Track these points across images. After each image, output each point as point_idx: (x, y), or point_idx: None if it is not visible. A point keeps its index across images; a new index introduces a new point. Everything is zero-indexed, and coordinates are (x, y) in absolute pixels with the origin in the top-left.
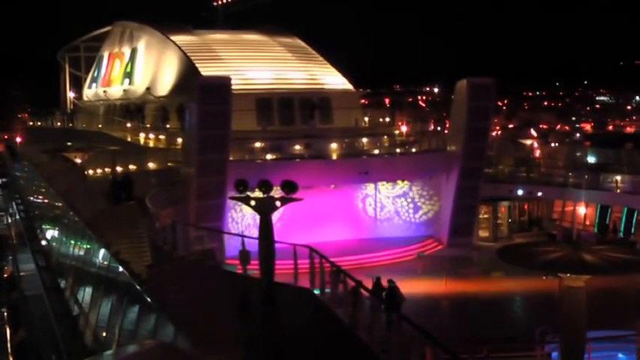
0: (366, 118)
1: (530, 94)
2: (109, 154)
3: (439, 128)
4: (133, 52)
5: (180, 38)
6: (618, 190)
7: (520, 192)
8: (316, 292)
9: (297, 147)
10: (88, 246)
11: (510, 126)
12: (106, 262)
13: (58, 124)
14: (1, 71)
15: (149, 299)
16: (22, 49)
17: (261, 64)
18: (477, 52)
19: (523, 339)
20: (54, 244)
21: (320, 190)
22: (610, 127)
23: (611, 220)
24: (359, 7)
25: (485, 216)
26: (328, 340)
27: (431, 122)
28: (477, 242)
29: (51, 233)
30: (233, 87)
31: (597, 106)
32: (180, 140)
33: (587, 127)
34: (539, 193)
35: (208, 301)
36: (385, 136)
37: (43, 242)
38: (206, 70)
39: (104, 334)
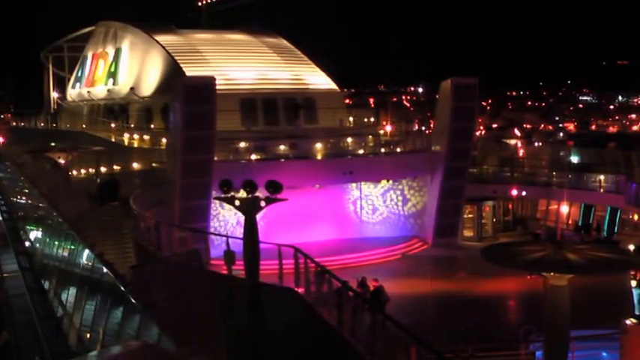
0: (351, 119)
1: (513, 94)
2: (93, 155)
3: (423, 128)
4: (117, 52)
5: (164, 38)
6: (602, 190)
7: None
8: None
9: (282, 147)
10: (72, 247)
11: (494, 126)
12: (90, 263)
13: (42, 124)
14: None
15: (133, 300)
16: (5, 49)
17: (245, 64)
18: (461, 52)
19: (507, 338)
20: (37, 245)
21: (305, 191)
22: (593, 127)
23: (595, 220)
24: (342, 7)
25: (470, 216)
26: (313, 340)
27: (415, 122)
28: (461, 242)
29: (34, 234)
30: (217, 87)
31: (580, 106)
32: (164, 140)
33: (571, 126)
34: (524, 193)
35: (193, 301)
36: (370, 136)
37: (27, 243)
38: (190, 70)
39: (88, 335)
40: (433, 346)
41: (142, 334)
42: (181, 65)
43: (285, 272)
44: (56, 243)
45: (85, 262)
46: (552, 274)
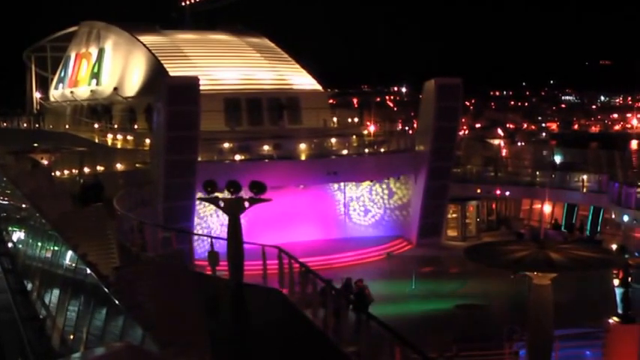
0: (335, 119)
1: (496, 93)
2: (77, 156)
3: (407, 128)
4: (101, 52)
5: (147, 38)
6: (585, 190)
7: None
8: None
9: (266, 147)
10: (55, 248)
11: (477, 126)
12: (73, 265)
13: (24, 125)
14: None
15: (117, 301)
16: None
17: (229, 65)
18: (444, 52)
19: (491, 337)
20: (20, 246)
21: (289, 191)
22: (575, 127)
23: (578, 219)
24: (325, 7)
25: (454, 215)
26: (297, 340)
27: (399, 122)
28: (445, 242)
29: (17, 235)
30: (201, 87)
31: (563, 105)
32: (148, 141)
33: (553, 126)
34: (507, 193)
35: (177, 302)
36: (354, 137)
37: (9, 245)
38: (174, 70)
39: (71, 336)
40: (417, 346)
41: (126, 335)
42: (165, 65)
43: (269, 273)
44: (39, 244)
45: (68, 263)
46: (535, 273)
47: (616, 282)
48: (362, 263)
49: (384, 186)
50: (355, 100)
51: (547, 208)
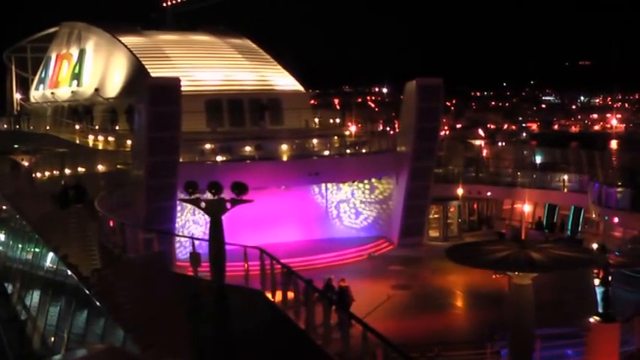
0: (317, 119)
1: (477, 94)
2: (58, 157)
3: (388, 129)
4: (81, 53)
5: (129, 39)
6: (565, 190)
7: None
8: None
9: (248, 148)
10: (36, 250)
11: (458, 126)
12: (54, 266)
13: (5, 126)
14: None
15: (98, 303)
16: None
17: (210, 65)
18: (425, 52)
19: (473, 337)
20: (0, 248)
21: (270, 192)
22: (556, 127)
23: (559, 219)
24: (306, 7)
25: (436, 216)
26: (280, 341)
27: (380, 123)
28: (427, 242)
29: None
30: (183, 88)
31: (543, 105)
32: (129, 142)
33: (534, 126)
34: (489, 193)
35: (158, 303)
36: (335, 137)
37: None
38: (155, 71)
39: (52, 338)
40: (399, 347)
41: (107, 336)
42: (146, 66)
43: (251, 274)
44: (20, 246)
45: (49, 265)
46: (516, 273)
47: (596, 281)
48: (344, 264)
49: (367, 187)
50: (336, 101)
51: (528, 208)
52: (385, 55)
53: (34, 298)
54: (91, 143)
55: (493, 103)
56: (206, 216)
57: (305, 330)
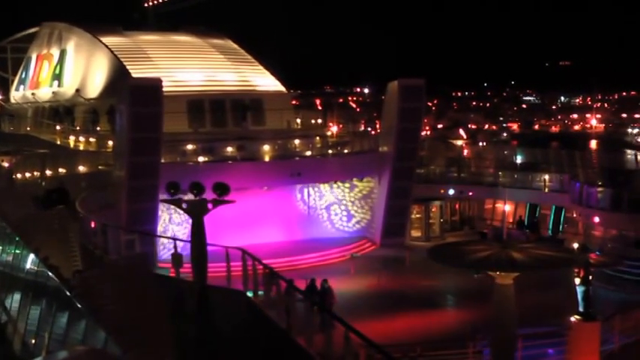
0: (298, 120)
1: (459, 94)
2: (39, 158)
3: (369, 129)
4: (62, 53)
5: (110, 39)
6: (546, 189)
7: (451, 192)
8: (249, 294)
9: (230, 149)
10: (17, 251)
11: (440, 126)
12: (34, 268)
13: None
14: None
15: (79, 305)
16: None
17: (192, 66)
18: (406, 53)
19: (455, 337)
20: None
21: (253, 192)
22: (536, 127)
23: (540, 218)
24: (288, 8)
25: (418, 216)
26: (262, 341)
27: (361, 123)
28: (409, 242)
29: None
30: (164, 89)
31: (524, 106)
32: (111, 143)
33: (514, 126)
34: (470, 193)
35: (140, 305)
36: (317, 138)
37: None
38: (137, 71)
39: (33, 340)
40: (381, 347)
41: (88, 338)
42: (127, 67)
43: (233, 274)
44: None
45: (30, 267)
46: (498, 272)
47: (577, 280)
48: (326, 264)
49: (348, 187)
50: (318, 101)
51: (509, 208)
52: (366, 56)
53: (15, 300)
54: (72, 144)
55: (474, 103)
56: (188, 216)
57: (287, 330)
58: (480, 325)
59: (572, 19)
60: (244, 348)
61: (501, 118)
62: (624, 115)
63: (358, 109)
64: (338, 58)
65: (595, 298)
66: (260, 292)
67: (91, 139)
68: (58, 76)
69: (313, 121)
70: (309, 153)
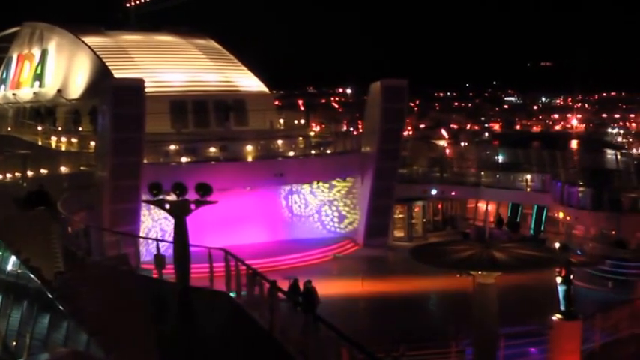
0: (281, 120)
1: (441, 94)
2: (20, 159)
3: (352, 129)
4: (44, 53)
5: (92, 40)
6: (528, 189)
7: (434, 192)
8: (232, 294)
9: (212, 150)
10: None
11: (422, 126)
12: (16, 270)
13: None
14: None
15: (61, 306)
16: None
17: (175, 66)
18: (388, 53)
19: (438, 336)
20: None
21: (235, 193)
22: (517, 127)
23: (522, 218)
24: (270, 7)
25: (401, 216)
26: (245, 343)
27: (344, 123)
28: (392, 242)
29: None
30: (147, 89)
31: (505, 106)
32: (93, 143)
33: (496, 126)
34: (453, 193)
35: (122, 306)
36: (300, 138)
37: None
38: (119, 72)
39: (14, 343)
40: (364, 347)
41: (71, 340)
42: (110, 67)
43: (215, 275)
44: None
45: (11, 268)
46: (480, 272)
47: (558, 279)
48: (309, 264)
49: (331, 187)
50: (300, 102)
51: (491, 208)
52: (349, 56)
53: None
54: (54, 145)
55: (456, 103)
56: (170, 217)
57: (270, 330)
58: (462, 324)
59: (553, 19)
60: (227, 348)
61: (483, 119)
62: (604, 116)
63: (341, 110)
64: (320, 59)
65: (576, 297)
66: (243, 293)
67: (73, 140)
68: (39, 77)
69: (296, 122)
70: (291, 153)
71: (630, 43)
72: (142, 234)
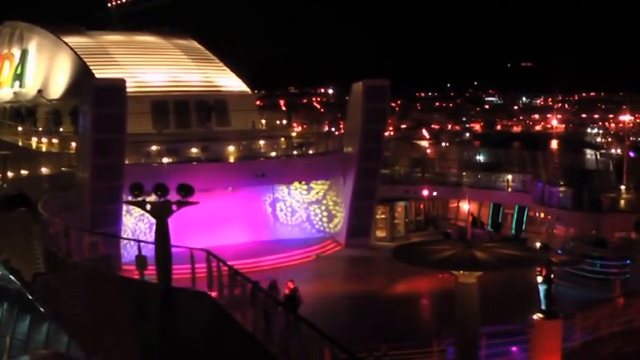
0: (263, 121)
1: (422, 94)
2: (0, 159)
3: (334, 130)
4: (24, 53)
5: (73, 39)
6: (509, 189)
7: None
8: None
9: (194, 150)
10: None
11: (403, 126)
12: None
13: None
14: None
15: (41, 308)
16: None
17: (156, 67)
18: (369, 53)
19: (420, 336)
20: None
21: (217, 193)
22: (498, 127)
23: (503, 218)
24: (253, 7)
25: (383, 216)
26: (227, 343)
27: (326, 124)
28: (374, 242)
29: None
30: (128, 89)
31: (486, 106)
32: (74, 144)
33: (477, 127)
34: (435, 193)
35: (104, 307)
36: (282, 139)
37: None
38: (100, 72)
39: None
40: (346, 347)
41: (51, 342)
42: (91, 67)
43: (197, 276)
44: None
45: None
46: (461, 272)
47: (539, 279)
48: (292, 265)
49: (313, 187)
50: (282, 102)
51: (472, 208)
52: (330, 56)
53: None
54: (34, 145)
55: (437, 103)
56: (151, 218)
57: (252, 331)
58: (444, 324)
59: (533, 20)
60: (209, 349)
61: (464, 119)
62: (584, 116)
63: (322, 110)
64: (302, 59)
65: (557, 296)
66: (224, 294)
67: (54, 141)
68: (19, 77)
69: (278, 122)
70: (273, 154)
71: (609, 45)
72: (124, 234)
